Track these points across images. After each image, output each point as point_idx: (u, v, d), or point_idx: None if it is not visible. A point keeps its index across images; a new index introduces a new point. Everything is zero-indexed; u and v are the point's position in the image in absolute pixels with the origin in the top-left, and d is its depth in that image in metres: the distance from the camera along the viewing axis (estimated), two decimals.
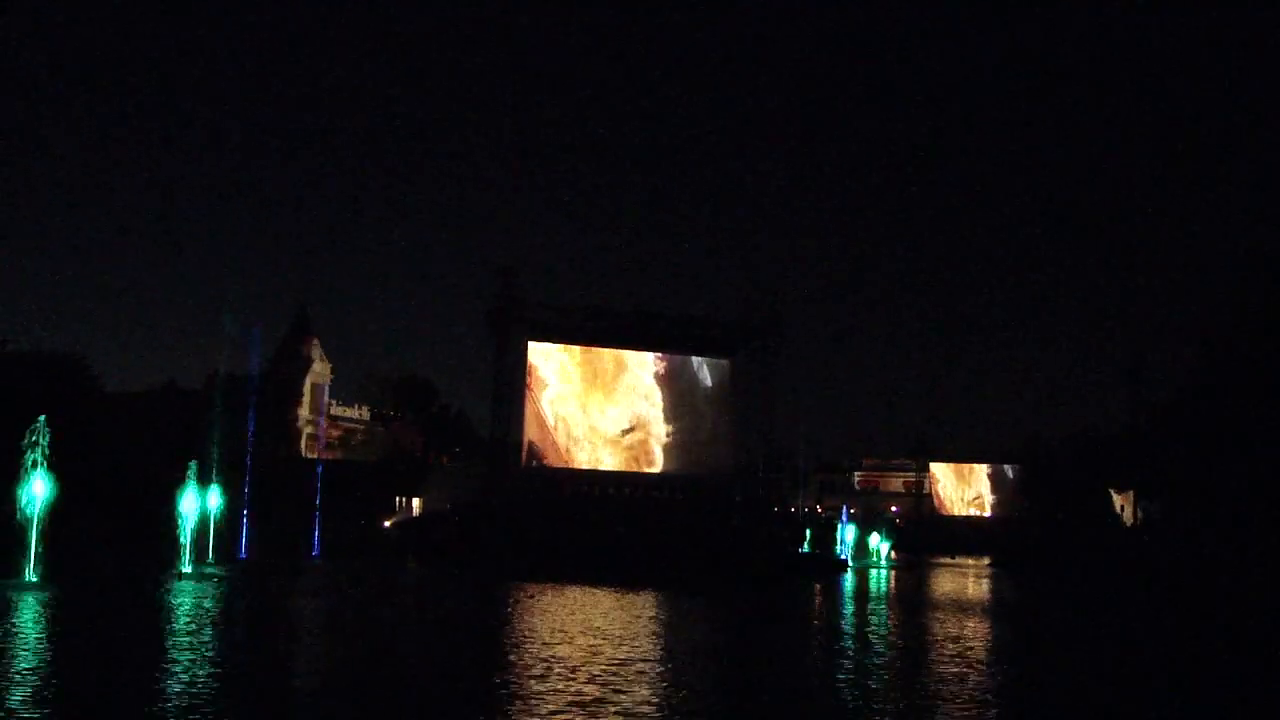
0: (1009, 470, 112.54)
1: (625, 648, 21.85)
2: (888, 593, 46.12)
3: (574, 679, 17.45)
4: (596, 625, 26.18)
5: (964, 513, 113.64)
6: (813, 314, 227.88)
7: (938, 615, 33.72)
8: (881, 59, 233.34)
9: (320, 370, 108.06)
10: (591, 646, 21.83)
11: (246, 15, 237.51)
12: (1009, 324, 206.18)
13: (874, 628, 29.89)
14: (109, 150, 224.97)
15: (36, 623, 23.55)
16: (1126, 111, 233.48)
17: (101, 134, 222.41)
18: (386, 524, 75.51)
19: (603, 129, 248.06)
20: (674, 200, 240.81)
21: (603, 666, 18.89)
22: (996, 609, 38.36)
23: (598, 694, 16.06)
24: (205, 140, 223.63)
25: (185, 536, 37.02)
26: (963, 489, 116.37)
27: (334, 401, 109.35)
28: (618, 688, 16.64)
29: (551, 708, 15.00)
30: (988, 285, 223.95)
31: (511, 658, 20.58)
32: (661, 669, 19.45)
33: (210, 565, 39.27)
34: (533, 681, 17.24)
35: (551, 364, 68.35)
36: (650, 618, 29.06)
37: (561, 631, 24.72)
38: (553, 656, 20.19)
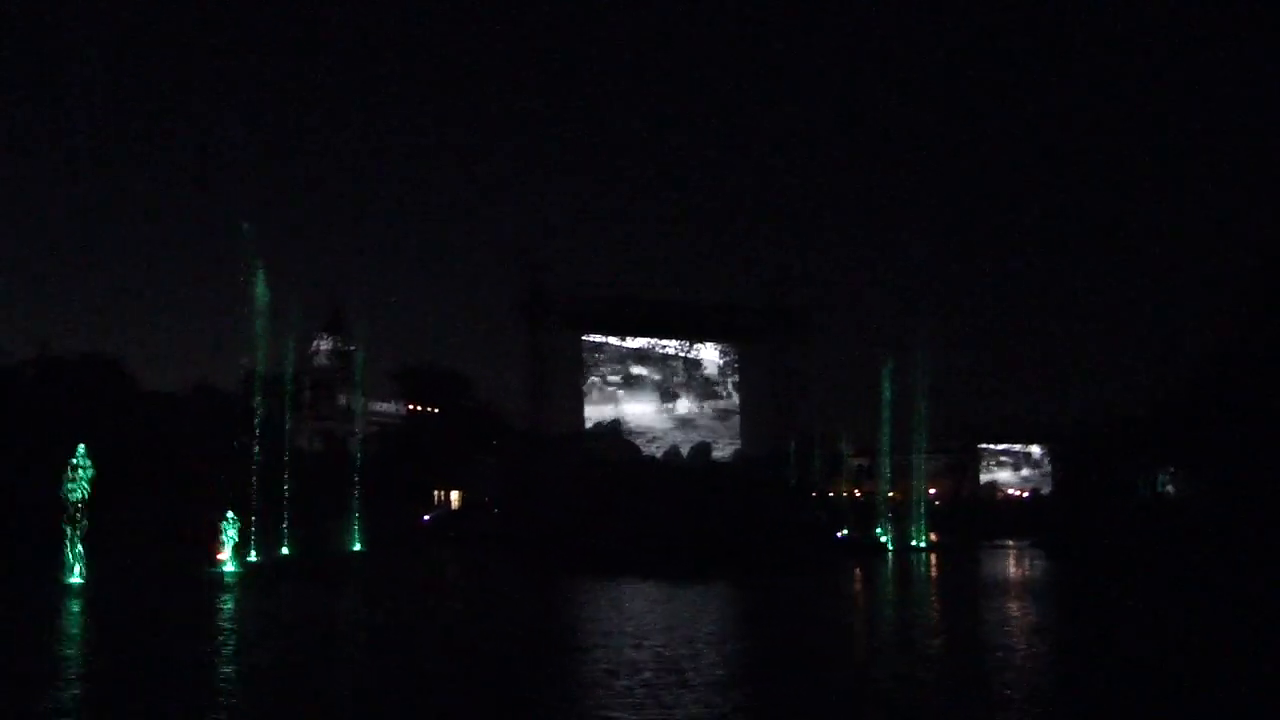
0: (1048, 450, 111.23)
1: (680, 649, 21.61)
2: (928, 576, 45.73)
3: (636, 684, 17.21)
4: (651, 622, 25.99)
5: (1003, 495, 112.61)
6: (849, 297, 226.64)
7: (978, 600, 33.34)
8: (907, 36, 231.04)
9: (354, 365, 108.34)
10: (659, 647, 21.61)
11: (275, 3, 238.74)
12: (1045, 304, 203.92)
13: (918, 616, 29.56)
14: (139, 151, 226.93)
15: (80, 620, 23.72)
16: (1158, 88, 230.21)
17: (129, 134, 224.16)
18: (425, 517, 75.81)
19: (631, 118, 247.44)
20: (704, 188, 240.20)
21: (652, 671, 18.69)
22: (1042, 592, 37.83)
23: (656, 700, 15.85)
24: (235, 138, 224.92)
25: (228, 535, 37.13)
26: (1002, 470, 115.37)
27: (368, 396, 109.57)
28: (666, 696, 16.39)
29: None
30: (1022, 264, 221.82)
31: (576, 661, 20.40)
32: (719, 674, 19.05)
33: (251, 562, 39.36)
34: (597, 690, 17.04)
35: (597, 353, 68.70)
36: (698, 613, 28.73)
37: (622, 632, 24.32)
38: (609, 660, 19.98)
